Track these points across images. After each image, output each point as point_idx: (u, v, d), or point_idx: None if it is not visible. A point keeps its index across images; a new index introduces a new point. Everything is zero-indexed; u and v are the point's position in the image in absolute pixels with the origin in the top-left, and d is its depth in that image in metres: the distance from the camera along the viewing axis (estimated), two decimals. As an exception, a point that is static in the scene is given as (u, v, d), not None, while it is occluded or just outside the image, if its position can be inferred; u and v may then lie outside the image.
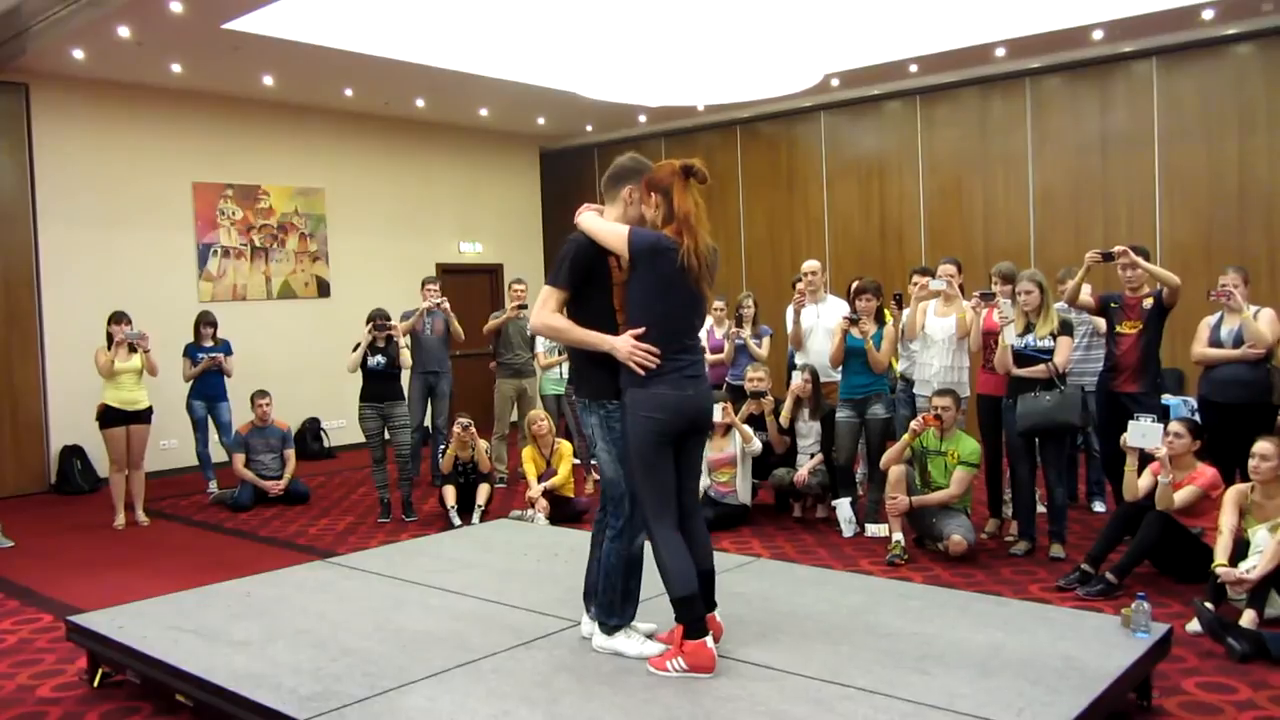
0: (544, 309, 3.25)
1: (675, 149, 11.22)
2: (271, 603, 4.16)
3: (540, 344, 8.10)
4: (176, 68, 8.55)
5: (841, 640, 3.45)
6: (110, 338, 7.00)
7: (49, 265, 8.70)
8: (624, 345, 3.14)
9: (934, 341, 6.07)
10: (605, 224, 3.27)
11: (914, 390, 6.32)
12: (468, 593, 4.19)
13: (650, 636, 3.40)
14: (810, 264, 6.93)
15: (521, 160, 12.44)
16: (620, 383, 3.21)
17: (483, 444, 7.07)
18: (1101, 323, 5.91)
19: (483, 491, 6.89)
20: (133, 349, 6.99)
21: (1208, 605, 4.11)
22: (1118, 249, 5.57)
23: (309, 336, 10.19)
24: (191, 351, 7.99)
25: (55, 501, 8.35)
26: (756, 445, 6.37)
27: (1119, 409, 5.49)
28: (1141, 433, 4.69)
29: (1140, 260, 5.53)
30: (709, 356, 7.02)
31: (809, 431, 6.51)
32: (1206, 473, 4.80)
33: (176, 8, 6.90)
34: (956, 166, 9.78)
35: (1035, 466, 5.54)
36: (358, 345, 7.03)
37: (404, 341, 7.43)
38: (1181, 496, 4.70)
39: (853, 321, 6.06)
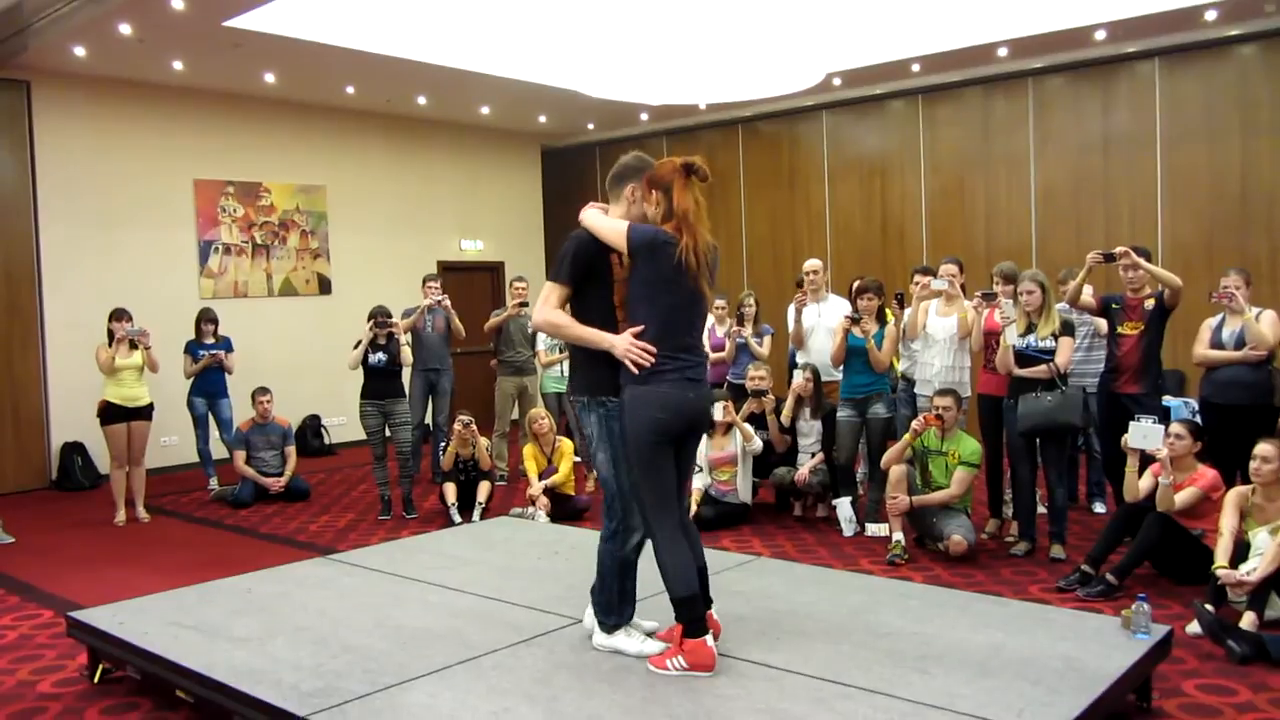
0: (546, 305, 3.25)
1: (677, 147, 11.23)
2: (272, 599, 4.16)
3: (541, 342, 8.10)
4: (178, 65, 8.54)
5: (841, 639, 3.45)
6: (111, 334, 7.00)
7: (50, 262, 8.71)
8: (622, 343, 3.15)
9: (935, 341, 6.07)
10: (606, 220, 3.27)
11: (915, 390, 6.33)
12: (468, 590, 4.19)
13: (651, 635, 3.40)
14: (812, 263, 6.93)
15: (523, 158, 12.44)
16: (620, 379, 3.21)
17: (483, 441, 7.07)
18: (1103, 324, 5.91)
19: (483, 489, 6.90)
20: (134, 346, 6.99)
21: (1208, 607, 4.11)
22: (1119, 250, 5.57)
23: (310, 334, 10.19)
24: (192, 348, 8.00)
25: (56, 498, 8.35)
26: (757, 444, 6.38)
27: (1120, 410, 5.49)
28: (1142, 434, 4.69)
29: (1142, 261, 5.53)
30: (710, 355, 7.02)
31: (810, 430, 6.51)
32: (1207, 474, 4.80)
33: (178, 5, 6.90)
34: (958, 166, 9.77)
35: (1036, 467, 5.54)
36: (359, 342, 7.03)
37: (405, 339, 7.43)
38: (1182, 498, 4.70)
39: (854, 321, 6.06)
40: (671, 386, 3.16)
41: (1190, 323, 5.91)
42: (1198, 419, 5.56)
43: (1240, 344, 5.34)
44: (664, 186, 3.21)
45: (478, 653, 3.42)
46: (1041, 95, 9.25)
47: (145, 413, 7.11)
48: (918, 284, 6.32)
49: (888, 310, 6.43)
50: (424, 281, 8.04)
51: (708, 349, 6.21)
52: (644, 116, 11.36)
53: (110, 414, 6.98)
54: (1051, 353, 5.31)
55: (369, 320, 7.04)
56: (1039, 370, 5.31)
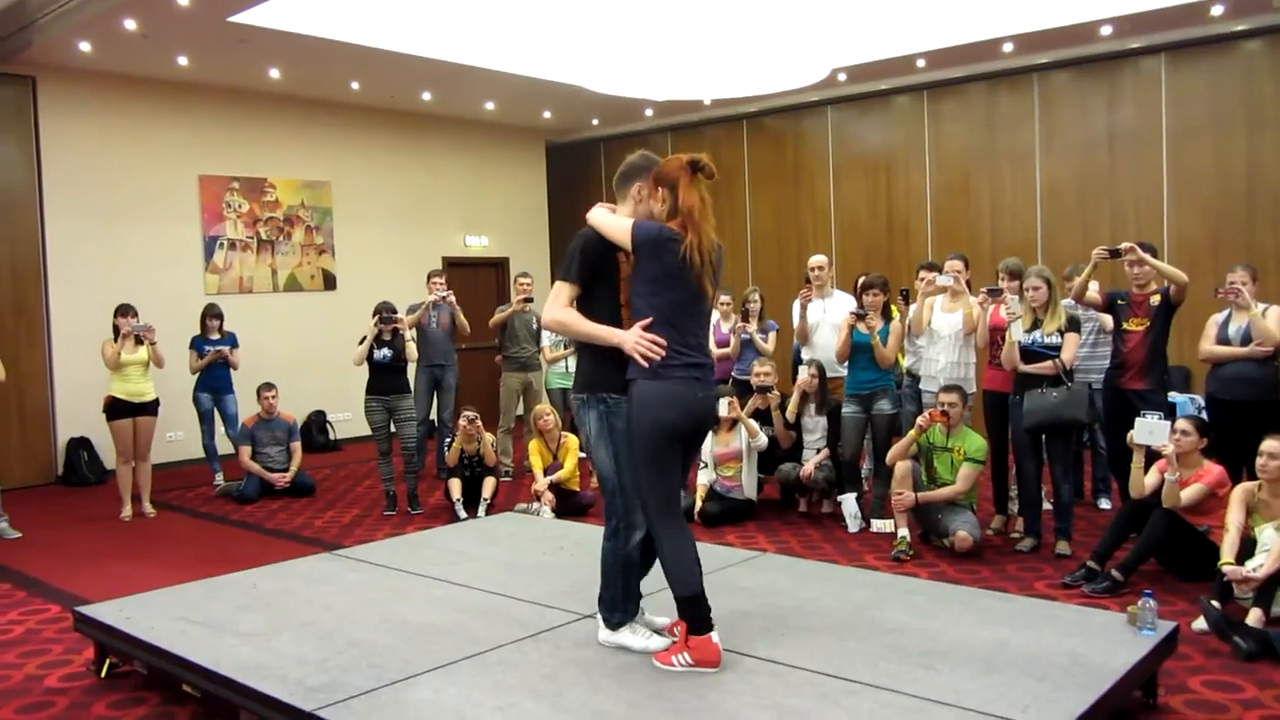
0: (555, 303, 3.25)
1: (681, 143, 11.21)
2: (278, 594, 4.17)
3: (546, 338, 8.11)
4: (183, 60, 8.55)
5: (847, 635, 3.45)
6: (116, 330, 7.01)
7: (55, 258, 8.72)
8: (631, 337, 3.14)
9: (940, 337, 6.06)
10: (611, 218, 3.27)
11: (920, 386, 6.33)
12: (473, 585, 4.20)
13: (660, 631, 3.40)
14: (817, 259, 6.92)
15: (527, 154, 12.42)
16: (629, 373, 3.19)
17: (488, 437, 7.08)
18: (1108, 320, 5.89)
19: (488, 484, 6.90)
20: (139, 341, 7.00)
21: (1214, 603, 4.11)
22: (1125, 246, 5.55)
23: (315, 329, 10.20)
24: (198, 344, 8.02)
25: (62, 493, 8.37)
26: (762, 440, 6.38)
27: (1126, 406, 5.48)
28: (1148, 430, 4.68)
29: (1147, 257, 5.51)
30: (715, 350, 7.02)
31: (815, 426, 6.51)
32: (1213, 470, 4.79)
33: (182, 1, 6.90)
34: (964, 162, 9.75)
35: (1041, 463, 5.53)
36: (364, 338, 7.04)
37: (410, 335, 7.44)
38: (1188, 494, 4.69)
39: (859, 317, 6.05)
40: (679, 384, 3.15)
41: (1196, 318, 5.90)
42: (1204, 415, 5.55)
43: (1246, 340, 5.32)
44: (670, 184, 3.20)
45: (483, 648, 3.42)
46: (1047, 91, 9.23)
47: (151, 408, 7.12)
48: (923, 280, 6.30)
49: (893, 306, 6.42)
50: (429, 277, 8.04)
51: (713, 345, 6.23)
52: (649, 112, 11.34)
53: (116, 409, 6.99)
54: (1057, 349, 5.31)
55: (374, 316, 7.04)
56: (1044, 366, 5.31)
